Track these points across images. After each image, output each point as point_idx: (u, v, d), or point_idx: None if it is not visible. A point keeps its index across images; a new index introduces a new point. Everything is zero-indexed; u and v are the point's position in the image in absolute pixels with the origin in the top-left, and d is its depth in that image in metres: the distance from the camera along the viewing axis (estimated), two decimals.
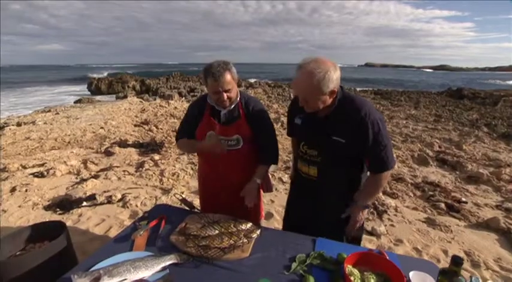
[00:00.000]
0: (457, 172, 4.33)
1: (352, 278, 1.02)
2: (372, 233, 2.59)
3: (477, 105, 11.21)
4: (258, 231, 1.28)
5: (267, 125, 1.52)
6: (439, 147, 5.62)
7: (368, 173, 1.38)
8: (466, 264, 2.23)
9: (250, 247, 1.20)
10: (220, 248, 1.17)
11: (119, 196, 3.00)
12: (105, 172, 3.64)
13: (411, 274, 1.07)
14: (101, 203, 2.88)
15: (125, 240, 1.21)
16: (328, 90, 1.15)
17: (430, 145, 5.68)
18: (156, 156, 4.16)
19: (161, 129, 5.82)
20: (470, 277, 0.84)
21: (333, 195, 1.38)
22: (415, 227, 2.78)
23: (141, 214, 2.61)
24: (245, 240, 1.21)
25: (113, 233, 2.39)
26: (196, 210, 1.46)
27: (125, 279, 0.94)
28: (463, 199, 3.40)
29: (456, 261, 0.81)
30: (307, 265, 1.13)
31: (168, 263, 1.05)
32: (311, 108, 1.23)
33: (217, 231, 1.25)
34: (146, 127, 5.90)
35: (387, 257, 1.18)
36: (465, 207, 3.19)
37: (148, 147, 4.60)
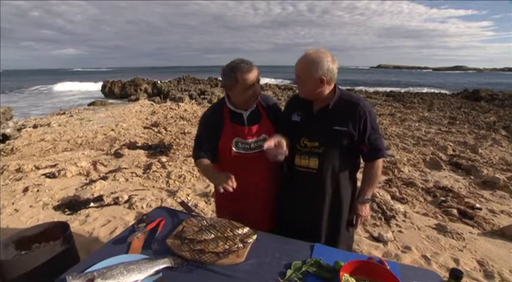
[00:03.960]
0: (472, 177, 4.17)
1: None
2: (378, 239, 2.52)
3: (495, 107, 10.80)
4: (254, 237, 1.26)
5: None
6: (453, 150, 5.43)
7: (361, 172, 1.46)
8: (479, 275, 2.13)
9: (246, 252, 1.18)
10: (215, 252, 1.15)
11: (126, 197, 3.05)
12: (114, 174, 3.72)
13: None
14: (108, 204, 2.93)
15: (122, 243, 1.21)
16: (317, 76, 1.26)
17: (443, 148, 5.50)
18: (164, 158, 4.21)
19: (170, 131, 5.89)
20: None
21: (332, 186, 1.40)
22: (424, 234, 2.68)
23: None
24: (240, 245, 1.19)
25: (118, 234, 2.42)
26: (194, 213, 1.46)
27: None
28: (477, 205, 3.27)
29: (456, 275, 0.76)
30: (302, 272, 1.10)
31: (161, 266, 1.05)
32: (302, 91, 1.37)
33: (213, 236, 1.24)
34: (155, 129, 6.00)
35: (387, 266, 1.13)
36: (479, 214, 3.06)
37: (157, 149, 4.66)
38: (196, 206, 2.91)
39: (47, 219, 2.62)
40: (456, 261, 2.27)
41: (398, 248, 2.45)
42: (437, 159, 4.78)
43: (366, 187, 1.45)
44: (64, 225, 1.60)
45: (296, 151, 1.42)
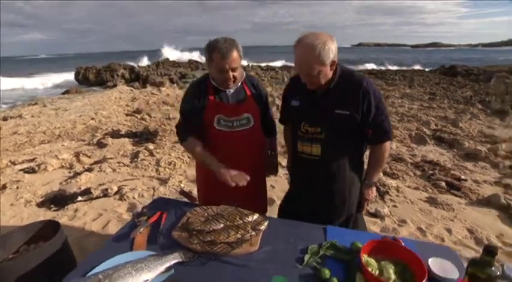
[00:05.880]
0: (455, 150, 4.33)
1: (369, 269, 0.96)
2: (375, 215, 2.56)
3: (471, 82, 11.18)
4: (266, 223, 1.20)
5: (268, 101, 1.57)
6: (436, 125, 5.60)
7: (367, 155, 1.41)
8: (470, 242, 2.23)
9: (259, 240, 1.13)
10: (227, 242, 1.09)
11: (115, 189, 2.91)
12: (99, 164, 3.52)
13: (430, 261, 1.01)
14: (97, 197, 2.79)
15: (123, 239, 1.12)
16: (329, 62, 1.16)
17: (426, 124, 5.65)
18: (151, 146, 4.05)
19: (154, 117, 5.65)
20: (502, 266, 0.78)
21: (337, 173, 1.34)
22: (417, 207, 2.77)
23: (139, 206, 2.62)
24: (253, 233, 1.13)
25: (111, 228, 2.32)
26: (197, 202, 1.37)
27: None
28: (463, 177, 3.40)
29: (489, 250, 0.74)
30: (320, 257, 1.07)
31: (172, 262, 0.98)
32: (314, 84, 1.24)
33: (222, 225, 1.17)
34: (138, 116, 5.73)
35: (402, 244, 1.12)
36: (465, 185, 3.19)
37: (142, 137, 4.46)
38: (190, 193, 2.83)
39: (32, 218, 2.44)
40: (449, 231, 2.36)
41: (395, 222, 2.51)
42: (422, 134, 4.91)
43: (371, 171, 1.40)
44: (54, 224, 1.46)
45: (298, 137, 1.36)
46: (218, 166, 1.31)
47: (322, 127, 1.28)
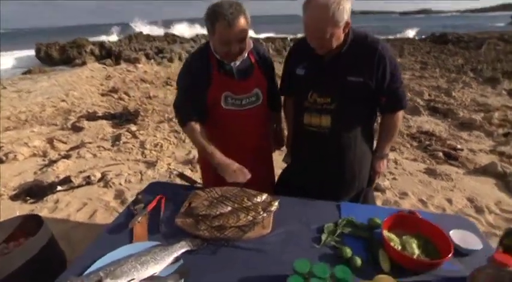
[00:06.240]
0: (449, 119, 4.43)
1: (392, 244, 0.94)
2: (376, 188, 2.60)
3: (461, 49, 11.33)
4: (277, 203, 1.15)
5: (274, 72, 1.45)
6: (429, 95, 5.68)
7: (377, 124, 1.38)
8: (470, 211, 2.32)
9: (271, 221, 1.09)
10: (238, 226, 1.04)
11: (98, 175, 2.79)
12: (77, 150, 3.35)
13: (452, 233, 1.01)
14: (79, 186, 2.66)
15: (121, 230, 1.04)
16: (343, 23, 1.08)
17: (419, 94, 5.72)
18: (133, 127, 3.88)
19: (133, 96, 5.38)
20: None
21: (347, 145, 1.29)
22: (417, 179, 2.84)
23: (127, 193, 2.52)
24: (265, 215, 1.08)
25: (99, 217, 2.24)
26: (198, 184, 1.29)
27: (133, 279, 0.79)
28: (459, 146, 3.50)
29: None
30: (338, 235, 1.05)
31: (180, 252, 0.92)
32: (325, 48, 1.16)
33: (229, 208, 1.12)
34: (115, 96, 5.43)
35: (420, 216, 1.11)
36: (462, 155, 3.29)
37: (122, 118, 4.26)
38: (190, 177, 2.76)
39: (6, 212, 2.29)
40: (449, 201, 2.45)
41: (396, 195, 2.57)
42: (415, 105, 4.98)
43: (384, 142, 1.36)
44: (35, 218, 1.36)
45: (304, 109, 1.29)
46: (219, 159, 1.23)
47: (333, 96, 1.22)
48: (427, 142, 3.65)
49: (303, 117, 1.31)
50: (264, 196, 1.20)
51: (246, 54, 1.26)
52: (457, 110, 4.66)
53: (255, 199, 1.17)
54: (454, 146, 3.50)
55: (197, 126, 1.27)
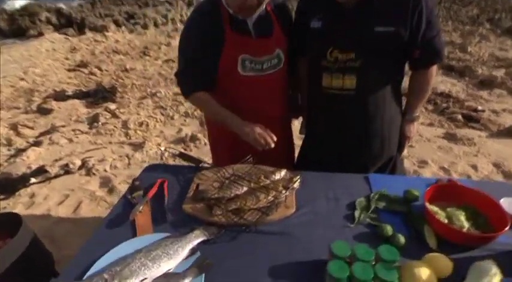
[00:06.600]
0: (467, 78, 4.41)
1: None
2: None
3: None
4: (298, 179, 1.11)
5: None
6: None
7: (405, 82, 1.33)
8: (498, 176, 2.35)
9: (294, 200, 1.05)
10: (258, 208, 1.00)
11: (78, 163, 2.70)
12: (49, 136, 3.20)
13: (502, 201, 0.98)
14: (57, 176, 2.58)
15: (120, 224, 0.98)
16: None
17: None
18: (112, 106, 3.74)
19: (106, 70, 5.13)
20: None
21: (375, 108, 1.24)
22: (436, 145, 2.84)
23: (114, 180, 2.46)
24: (287, 193, 1.04)
25: (85, 209, 2.19)
26: (205, 164, 1.23)
27: (145, 279, 0.74)
28: (479, 107, 3.50)
29: None
30: (373, 211, 1.01)
31: (195, 242, 0.87)
32: None
33: (245, 188, 1.07)
34: (86, 71, 5.17)
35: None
36: (483, 116, 3.29)
37: (97, 96, 4.08)
38: (174, 156, 2.69)
39: None
40: (474, 167, 2.47)
41: (414, 164, 2.57)
42: None
43: (415, 101, 1.33)
44: (11, 217, 1.30)
45: (323, 69, 1.22)
46: (240, 123, 1.16)
47: (358, 51, 1.14)
48: (444, 104, 3.63)
49: (321, 80, 1.24)
50: (283, 172, 1.15)
51: (265, 8, 1.15)
52: (474, 67, 4.62)
53: (273, 176, 1.12)
54: (474, 107, 3.50)
55: (206, 96, 1.20)
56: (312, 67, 1.30)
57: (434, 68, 1.25)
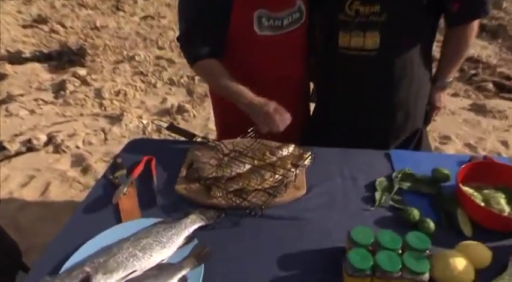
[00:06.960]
0: (500, 40, 4.38)
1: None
2: None
3: None
4: (309, 155, 1.10)
5: None
6: None
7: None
8: None
9: (304, 180, 1.05)
10: (264, 189, 1.00)
11: (44, 138, 2.71)
12: (4, 106, 3.18)
13: None
14: (18, 153, 2.58)
15: (102, 208, 0.97)
16: None
17: None
18: (81, 71, 3.70)
19: (71, 28, 4.99)
20: None
21: (401, 73, 1.24)
22: (461, 118, 2.86)
23: (89, 158, 2.45)
24: (297, 171, 1.03)
25: (55, 192, 2.21)
26: (200, 139, 1.21)
27: (134, 272, 0.74)
28: None
29: None
30: (396, 192, 1.02)
31: (192, 228, 0.86)
32: None
33: (248, 166, 1.06)
34: (45, 28, 5.01)
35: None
36: None
37: (62, 58, 4.03)
38: (159, 131, 2.68)
39: None
40: (504, 144, 2.52)
41: (436, 140, 2.61)
42: None
43: (449, 66, 1.31)
44: None
45: (340, 25, 1.21)
46: (251, 98, 1.13)
47: (383, 3, 1.12)
48: (472, 71, 3.62)
49: (337, 38, 1.22)
50: (291, 148, 1.15)
51: None
52: (510, 26, 4.57)
53: (280, 152, 1.11)
54: (508, 75, 3.49)
55: (215, 64, 1.17)
56: (326, 23, 1.28)
57: (476, 24, 1.22)
